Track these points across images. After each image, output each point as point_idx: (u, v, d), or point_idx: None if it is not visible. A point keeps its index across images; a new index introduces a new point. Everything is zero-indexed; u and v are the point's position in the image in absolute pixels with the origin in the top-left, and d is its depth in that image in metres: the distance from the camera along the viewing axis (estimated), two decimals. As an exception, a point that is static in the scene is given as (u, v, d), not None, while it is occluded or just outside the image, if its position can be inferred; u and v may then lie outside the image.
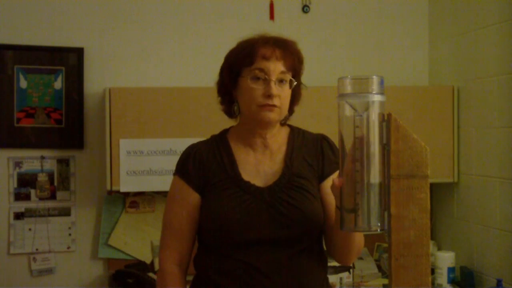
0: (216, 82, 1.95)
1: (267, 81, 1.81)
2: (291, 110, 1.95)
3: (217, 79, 1.95)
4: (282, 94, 1.83)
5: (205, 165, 1.88)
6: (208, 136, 1.99)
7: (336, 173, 1.86)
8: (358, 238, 1.82)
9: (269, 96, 1.80)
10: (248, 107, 1.85)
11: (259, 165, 1.89)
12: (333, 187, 1.53)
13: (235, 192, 1.83)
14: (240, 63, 1.85)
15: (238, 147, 1.91)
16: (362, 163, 1.34)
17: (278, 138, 1.92)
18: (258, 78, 1.82)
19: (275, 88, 1.81)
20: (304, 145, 1.93)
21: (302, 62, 1.92)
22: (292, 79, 1.86)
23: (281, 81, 1.83)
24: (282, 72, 1.83)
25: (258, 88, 1.82)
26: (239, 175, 1.86)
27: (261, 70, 1.82)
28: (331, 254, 1.92)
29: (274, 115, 1.84)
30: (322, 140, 1.95)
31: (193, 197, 1.88)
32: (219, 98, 1.96)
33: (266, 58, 1.82)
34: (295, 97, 1.92)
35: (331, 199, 1.82)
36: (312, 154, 1.91)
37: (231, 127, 1.98)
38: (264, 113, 1.82)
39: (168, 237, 1.91)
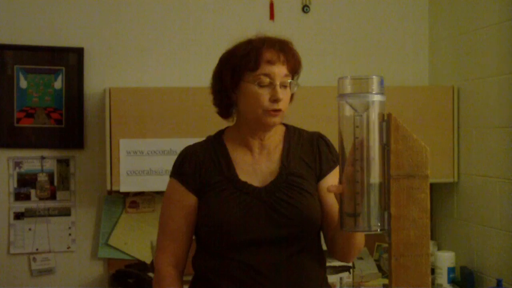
0: (210, 84, 1.94)
1: (272, 86, 1.81)
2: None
3: (211, 81, 1.93)
4: (284, 97, 1.84)
5: (201, 166, 1.88)
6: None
7: (333, 174, 1.87)
8: (359, 237, 1.82)
9: (276, 100, 1.81)
10: (253, 111, 1.84)
11: (256, 165, 1.89)
12: (333, 193, 1.53)
13: (232, 193, 1.83)
14: (244, 67, 1.84)
15: (234, 148, 1.91)
16: (362, 163, 1.34)
17: (275, 138, 1.92)
18: (264, 84, 1.82)
19: (280, 92, 1.81)
20: (301, 144, 1.93)
21: (301, 63, 1.92)
22: (293, 81, 1.86)
23: (284, 85, 1.83)
24: (286, 76, 1.84)
25: (264, 93, 1.81)
26: (236, 175, 1.86)
27: (267, 75, 1.82)
28: (332, 252, 1.92)
29: (278, 120, 1.85)
30: (318, 138, 1.94)
31: (190, 199, 1.88)
32: (215, 100, 1.94)
33: (271, 63, 1.82)
34: (292, 96, 1.92)
35: (330, 199, 1.83)
36: (308, 152, 1.91)
37: (226, 127, 1.98)
38: (270, 118, 1.83)
39: (164, 239, 1.91)
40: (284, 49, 1.85)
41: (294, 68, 1.87)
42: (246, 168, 1.88)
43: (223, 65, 1.89)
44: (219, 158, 1.89)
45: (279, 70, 1.82)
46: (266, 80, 1.81)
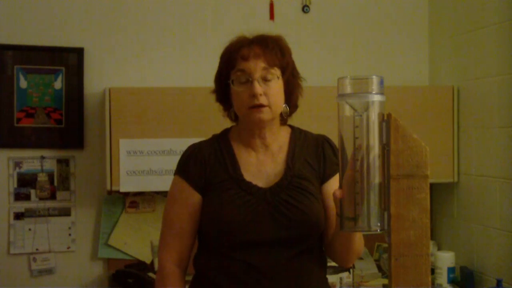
0: (212, 91, 1.96)
1: (250, 82, 1.81)
2: (294, 105, 1.94)
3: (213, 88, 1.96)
4: (269, 91, 1.82)
5: (206, 165, 1.88)
6: (208, 136, 1.99)
7: (337, 177, 1.86)
8: (358, 241, 1.82)
9: (254, 96, 1.80)
10: (239, 110, 1.86)
11: (261, 166, 1.89)
12: (334, 197, 1.53)
13: (237, 192, 1.83)
14: (225, 68, 1.86)
15: (239, 148, 1.91)
16: (361, 163, 1.34)
17: (279, 138, 1.92)
18: (242, 80, 1.82)
19: (258, 87, 1.80)
20: (306, 146, 1.92)
21: (288, 54, 1.89)
22: (280, 75, 1.84)
23: (266, 78, 1.82)
24: (265, 69, 1.82)
25: (243, 90, 1.82)
26: (241, 175, 1.86)
27: (243, 71, 1.82)
28: (330, 255, 1.92)
29: (264, 115, 1.83)
30: (323, 141, 1.94)
31: (194, 197, 1.88)
32: (221, 106, 1.96)
33: (245, 59, 1.82)
34: (293, 90, 1.91)
35: (332, 202, 1.82)
36: (313, 155, 1.91)
37: (232, 126, 1.98)
38: (254, 114, 1.82)
39: (168, 237, 1.91)
40: (258, 43, 1.84)
41: (277, 61, 1.84)
42: (251, 168, 1.88)
43: (218, 66, 1.92)
44: (225, 157, 1.89)
45: (255, 65, 1.81)
46: (243, 76, 1.82)
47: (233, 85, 1.84)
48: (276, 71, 1.84)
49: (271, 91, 1.82)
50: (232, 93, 1.86)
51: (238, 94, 1.83)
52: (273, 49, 1.84)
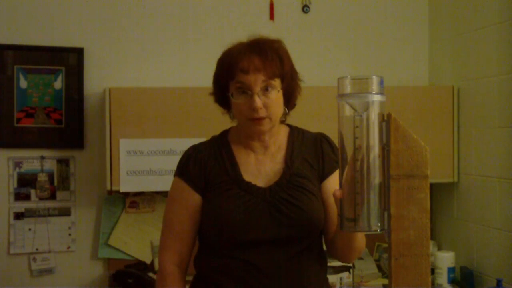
0: (210, 93, 1.95)
1: (250, 95, 1.80)
2: (292, 104, 1.93)
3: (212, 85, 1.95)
4: (269, 102, 1.80)
5: (206, 166, 1.88)
6: (208, 136, 1.99)
7: (336, 175, 1.86)
8: (360, 239, 1.82)
9: (254, 109, 1.79)
10: (239, 119, 1.86)
11: (260, 166, 1.89)
12: (334, 197, 1.53)
13: (236, 192, 1.83)
14: (224, 76, 1.85)
15: (238, 148, 1.91)
16: (361, 163, 1.34)
17: (278, 138, 1.92)
18: (242, 92, 1.81)
19: (258, 101, 1.79)
20: (304, 144, 1.93)
21: (287, 60, 1.86)
22: (280, 88, 1.82)
23: (266, 89, 1.81)
24: (264, 81, 1.80)
25: (242, 103, 1.81)
26: (241, 176, 1.86)
27: (242, 84, 1.80)
28: (332, 253, 1.92)
29: (264, 127, 1.83)
30: (321, 139, 1.94)
31: (194, 198, 1.88)
32: (216, 103, 1.96)
33: (244, 72, 1.80)
34: (293, 92, 1.90)
35: (332, 199, 1.82)
36: (312, 153, 1.91)
37: (231, 127, 1.98)
38: (254, 126, 1.83)
39: (168, 238, 1.91)
40: (258, 54, 1.81)
41: (277, 71, 1.82)
42: (251, 168, 1.88)
43: (215, 72, 1.90)
44: (224, 158, 1.89)
45: (255, 78, 1.79)
46: (244, 88, 1.81)
47: (232, 97, 1.83)
48: (276, 82, 1.82)
49: (271, 102, 1.81)
50: (232, 102, 1.86)
51: (238, 105, 1.83)
52: (272, 60, 1.82)
